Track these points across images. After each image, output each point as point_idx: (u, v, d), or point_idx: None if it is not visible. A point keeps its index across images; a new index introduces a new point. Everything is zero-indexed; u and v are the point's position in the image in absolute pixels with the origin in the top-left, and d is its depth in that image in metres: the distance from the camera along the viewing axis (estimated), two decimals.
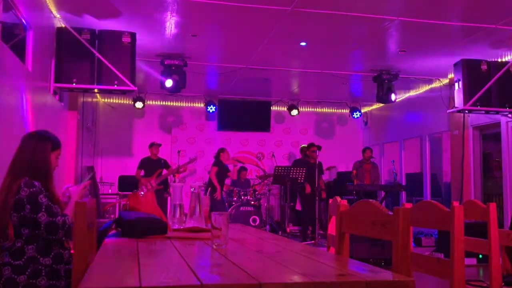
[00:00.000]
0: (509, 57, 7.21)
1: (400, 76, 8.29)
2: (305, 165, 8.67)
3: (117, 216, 2.69)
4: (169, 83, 7.50)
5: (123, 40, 6.08)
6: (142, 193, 2.81)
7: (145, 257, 1.71)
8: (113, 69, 5.92)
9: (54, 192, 2.66)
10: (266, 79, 9.21)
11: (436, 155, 9.85)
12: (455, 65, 7.30)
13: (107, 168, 10.18)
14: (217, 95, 10.63)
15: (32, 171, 2.60)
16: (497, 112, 7.20)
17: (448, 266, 1.71)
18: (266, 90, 10.28)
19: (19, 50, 4.48)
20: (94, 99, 9.63)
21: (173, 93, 8.10)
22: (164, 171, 8.68)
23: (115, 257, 1.80)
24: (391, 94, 8.38)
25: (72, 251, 2.38)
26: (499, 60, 7.29)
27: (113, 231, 2.51)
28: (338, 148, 11.06)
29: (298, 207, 9.18)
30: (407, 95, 9.86)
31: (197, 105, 10.92)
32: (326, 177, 9.97)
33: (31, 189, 2.51)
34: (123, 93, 6.36)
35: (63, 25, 5.91)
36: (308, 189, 8.61)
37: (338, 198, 2.41)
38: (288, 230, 9.08)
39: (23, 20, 4.51)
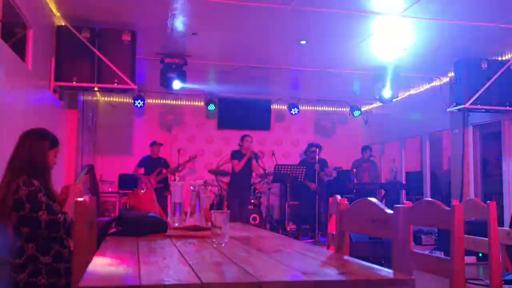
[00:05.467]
0: (509, 56, 7.20)
1: (400, 74, 8.27)
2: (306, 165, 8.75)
3: (117, 214, 2.69)
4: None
5: (123, 38, 6.08)
6: (142, 191, 2.81)
7: (145, 256, 1.71)
8: (113, 67, 5.92)
9: (52, 190, 2.66)
10: (266, 78, 9.19)
11: (436, 154, 9.85)
12: (455, 63, 7.29)
13: (107, 167, 10.16)
14: (217, 93, 10.61)
15: (30, 169, 2.59)
16: (497, 111, 7.19)
17: (448, 265, 1.71)
18: (266, 88, 10.26)
19: (19, 48, 4.47)
20: (94, 98, 9.62)
21: (173, 91, 8.09)
22: (164, 170, 8.68)
23: (115, 256, 1.80)
24: (390, 94, 8.36)
25: (72, 249, 2.38)
26: (499, 58, 7.28)
27: (113, 230, 2.51)
28: (338, 146, 11.04)
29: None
30: (407, 93, 9.84)
31: (197, 103, 10.91)
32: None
33: (30, 188, 2.50)
34: (123, 91, 6.37)
35: (63, 23, 5.91)
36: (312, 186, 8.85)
37: (338, 197, 2.41)
38: (288, 228, 9.08)
39: (23, 19, 4.50)
